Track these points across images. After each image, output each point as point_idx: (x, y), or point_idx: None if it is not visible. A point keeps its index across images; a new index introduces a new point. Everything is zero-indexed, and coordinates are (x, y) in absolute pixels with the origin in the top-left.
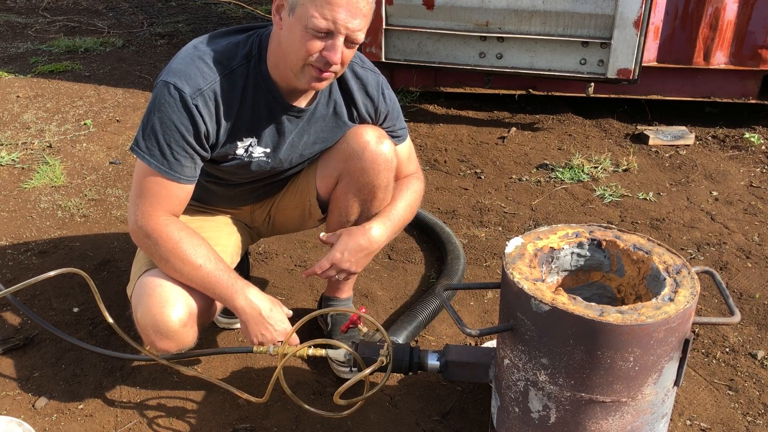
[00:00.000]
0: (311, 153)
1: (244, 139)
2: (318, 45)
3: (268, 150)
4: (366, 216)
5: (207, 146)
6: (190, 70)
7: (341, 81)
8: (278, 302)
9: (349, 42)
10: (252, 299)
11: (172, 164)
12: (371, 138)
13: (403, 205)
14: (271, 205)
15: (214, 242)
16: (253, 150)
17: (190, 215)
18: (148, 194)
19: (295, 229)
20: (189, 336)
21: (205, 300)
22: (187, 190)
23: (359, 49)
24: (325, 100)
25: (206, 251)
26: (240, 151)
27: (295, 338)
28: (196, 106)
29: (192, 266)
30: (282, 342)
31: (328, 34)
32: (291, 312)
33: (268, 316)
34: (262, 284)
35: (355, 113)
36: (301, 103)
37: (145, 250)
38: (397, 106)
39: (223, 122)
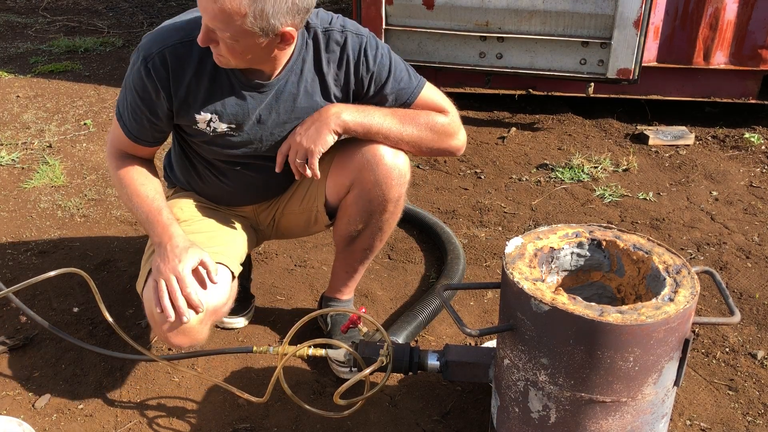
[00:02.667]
0: (282, 133)
1: (202, 112)
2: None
3: (232, 125)
4: (374, 227)
5: (158, 112)
6: (153, 36)
7: (316, 57)
8: (204, 254)
9: (216, 36)
10: (173, 233)
11: (127, 122)
12: (386, 150)
13: (392, 113)
14: (276, 208)
15: (222, 242)
16: (216, 126)
17: (202, 213)
18: (116, 134)
19: (299, 234)
20: (203, 332)
21: (218, 297)
22: (142, 149)
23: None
24: (296, 78)
25: (154, 188)
26: (201, 125)
27: (198, 301)
28: (148, 70)
29: (138, 196)
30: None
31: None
32: (216, 266)
33: (174, 251)
34: (262, 284)
35: (331, 91)
36: (262, 78)
37: (109, 170)
38: (387, 64)
39: (173, 87)
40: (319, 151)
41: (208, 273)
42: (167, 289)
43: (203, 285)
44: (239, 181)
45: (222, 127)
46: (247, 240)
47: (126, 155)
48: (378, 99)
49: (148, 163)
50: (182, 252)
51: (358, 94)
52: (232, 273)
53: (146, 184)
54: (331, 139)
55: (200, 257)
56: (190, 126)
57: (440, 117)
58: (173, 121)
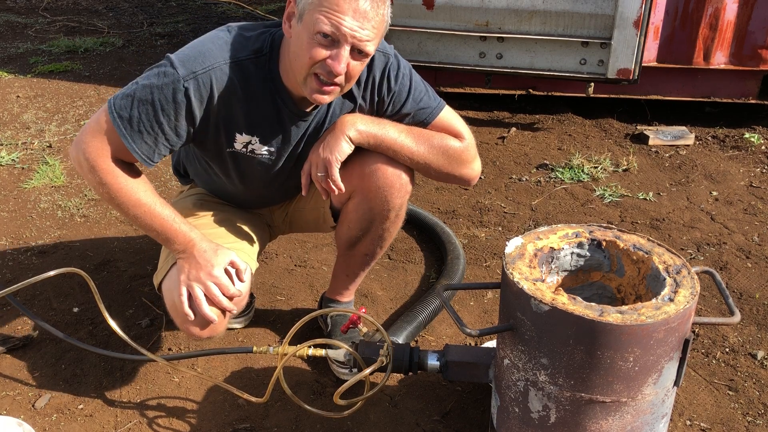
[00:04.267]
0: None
1: (243, 134)
2: (322, 53)
3: (272, 149)
4: (374, 234)
5: (182, 132)
6: (193, 53)
7: None
8: (232, 253)
9: (356, 53)
10: (193, 236)
11: (134, 133)
12: (390, 160)
13: (407, 130)
14: (288, 206)
15: (242, 233)
16: (255, 147)
17: (219, 209)
18: (103, 139)
19: (311, 230)
20: (222, 323)
21: (240, 289)
22: (133, 159)
23: None
24: (335, 102)
25: (151, 194)
26: (238, 146)
27: (240, 301)
28: (186, 89)
29: (136, 205)
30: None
31: (334, 43)
32: (246, 265)
33: (206, 255)
34: (262, 284)
35: (357, 111)
36: (308, 107)
37: (88, 181)
38: (408, 84)
39: (216, 108)
40: (336, 159)
41: (237, 272)
42: (205, 293)
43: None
44: (258, 193)
45: (262, 149)
46: (263, 236)
47: (116, 160)
48: (396, 118)
49: (133, 166)
50: (212, 255)
51: (378, 112)
52: (250, 268)
53: (147, 191)
54: (347, 147)
55: (230, 257)
56: (223, 149)
57: (454, 141)
58: (188, 142)
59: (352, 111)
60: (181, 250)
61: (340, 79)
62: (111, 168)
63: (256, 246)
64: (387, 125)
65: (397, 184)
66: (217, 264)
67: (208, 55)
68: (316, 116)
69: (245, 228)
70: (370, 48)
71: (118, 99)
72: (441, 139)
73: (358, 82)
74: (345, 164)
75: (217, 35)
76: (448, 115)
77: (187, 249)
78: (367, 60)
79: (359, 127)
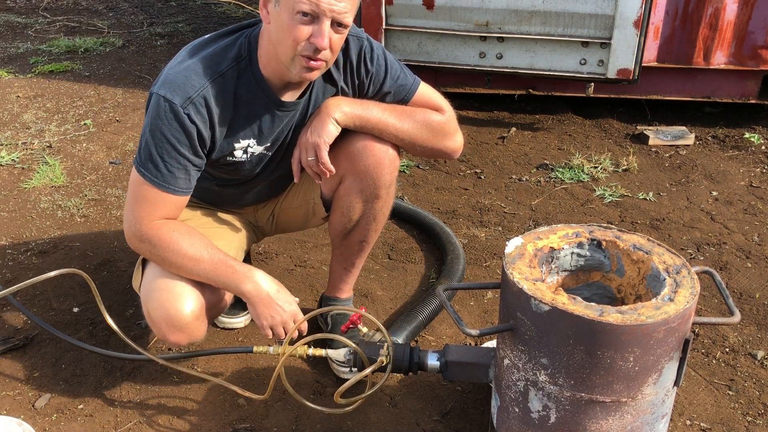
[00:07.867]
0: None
1: (241, 141)
2: (305, 31)
3: (268, 144)
4: (368, 216)
5: (202, 153)
6: (178, 80)
7: None
8: (283, 287)
9: (336, 25)
10: (259, 282)
11: (166, 176)
12: (376, 139)
13: (390, 108)
14: (274, 204)
15: (220, 237)
16: (253, 150)
17: (196, 212)
18: (143, 201)
19: (299, 227)
20: (200, 328)
21: (214, 292)
22: (181, 200)
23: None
24: (317, 89)
25: (204, 243)
26: (238, 153)
27: (305, 325)
28: (188, 115)
29: (193, 259)
30: (290, 330)
31: (315, 19)
32: (297, 299)
33: (276, 297)
34: None
35: (341, 94)
36: (294, 97)
37: (143, 253)
38: (384, 64)
39: (218, 126)
40: (325, 142)
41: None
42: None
43: None
44: (245, 190)
45: (259, 149)
46: (246, 236)
47: (161, 221)
48: (378, 98)
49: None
50: (280, 293)
51: (359, 94)
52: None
53: (204, 244)
54: (333, 129)
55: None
56: (225, 157)
57: (437, 115)
58: (206, 160)
59: (335, 95)
60: (244, 290)
61: (325, 54)
62: (156, 229)
63: (240, 245)
64: (371, 105)
65: (386, 160)
66: (292, 302)
67: (195, 77)
68: (301, 104)
69: (227, 228)
70: (348, 19)
71: (138, 156)
72: (424, 113)
73: (336, 66)
74: (333, 149)
75: (196, 58)
76: (426, 90)
77: (261, 290)
78: (346, 32)
79: (344, 108)
